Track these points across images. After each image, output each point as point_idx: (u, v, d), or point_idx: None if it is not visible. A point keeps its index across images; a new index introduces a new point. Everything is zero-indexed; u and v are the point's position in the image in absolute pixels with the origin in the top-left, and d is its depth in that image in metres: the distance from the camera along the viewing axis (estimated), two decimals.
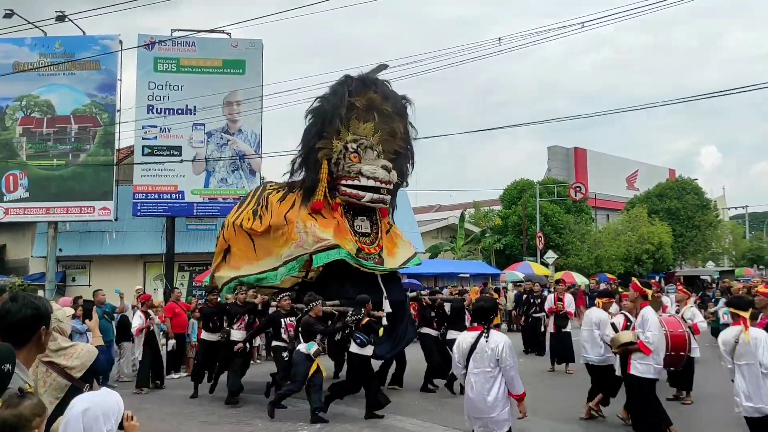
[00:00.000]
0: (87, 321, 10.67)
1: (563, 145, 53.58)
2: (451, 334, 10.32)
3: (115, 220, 22.01)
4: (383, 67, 20.43)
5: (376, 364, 9.68)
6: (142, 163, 21.99)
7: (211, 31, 23.50)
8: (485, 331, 5.22)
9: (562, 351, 12.69)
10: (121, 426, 2.90)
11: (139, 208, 21.92)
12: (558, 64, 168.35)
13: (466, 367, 5.24)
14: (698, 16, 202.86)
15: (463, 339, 5.35)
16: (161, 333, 12.88)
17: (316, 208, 10.26)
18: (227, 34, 23.27)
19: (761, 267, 48.24)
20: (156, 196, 21.97)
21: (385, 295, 10.14)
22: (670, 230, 38.85)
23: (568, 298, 13.52)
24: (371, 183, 10.19)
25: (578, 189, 33.76)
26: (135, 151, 22.47)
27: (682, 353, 7.66)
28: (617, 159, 57.18)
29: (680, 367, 8.03)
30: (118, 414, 2.73)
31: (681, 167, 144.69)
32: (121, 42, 22.67)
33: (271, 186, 11.65)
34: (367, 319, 8.69)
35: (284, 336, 9.76)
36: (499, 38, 15.73)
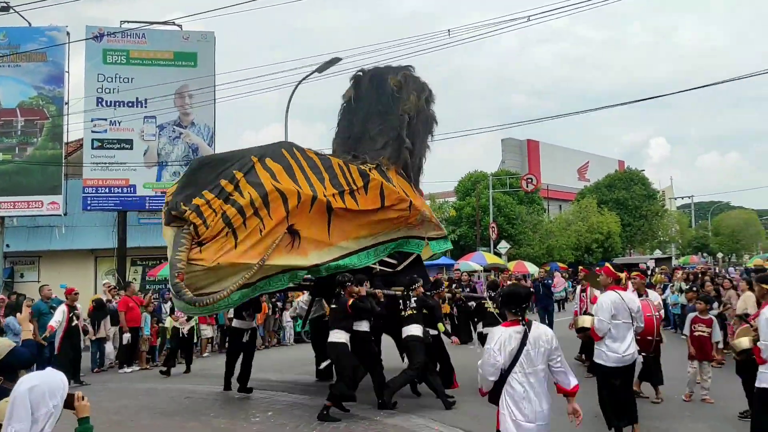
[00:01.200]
0: (18, 315, 10.60)
1: (517, 137, 54.59)
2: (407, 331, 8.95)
3: (65, 214, 21.60)
4: (336, 60, 20.70)
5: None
6: (93, 160, 21.63)
7: (162, 23, 23.33)
8: (523, 322, 4.42)
9: None
10: (70, 406, 3.05)
11: (89, 202, 21.56)
12: (514, 58, 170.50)
13: (509, 370, 4.34)
14: (653, 11, 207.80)
15: (504, 337, 4.38)
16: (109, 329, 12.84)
17: None
18: (178, 26, 23.05)
19: (705, 255, 50.05)
20: (107, 190, 21.64)
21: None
22: (619, 220, 40.01)
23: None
24: None
25: (530, 180, 34.48)
26: (84, 145, 22.05)
27: (649, 337, 7.86)
28: (569, 151, 58.47)
29: (650, 352, 8.05)
30: (63, 391, 2.89)
31: (631, 159, 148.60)
32: (68, 33, 22.15)
33: (363, 161, 9.93)
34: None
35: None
36: (449, 30, 16.05)
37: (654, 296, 9.28)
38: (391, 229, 9.64)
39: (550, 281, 17.30)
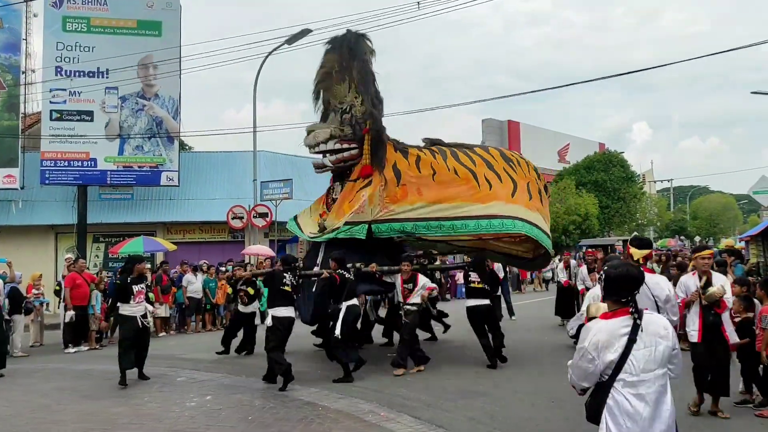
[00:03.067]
0: None
1: (498, 118, 53.97)
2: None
3: (22, 188, 20.77)
4: (306, 32, 19.93)
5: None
6: (51, 132, 20.74)
7: None
8: (635, 313, 3.28)
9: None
10: None
11: (47, 176, 20.72)
12: (498, 40, 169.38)
13: (612, 378, 3.25)
14: None
15: (605, 333, 3.27)
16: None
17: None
18: None
19: (683, 238, 50.06)
20: (66, 164, 20.80)
21: (318, 261, 9.96)
22: (597, 202, 39.70)
23: (497, 266, 13.60)
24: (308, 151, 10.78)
25: None
26: (42, 116, 21.17)
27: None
28: (550, 132, 57.96)
29: None
30: None
31: (613, 142, 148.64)
32: (26, 0, 21.20)
33: None
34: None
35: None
36: (418, 2, 15.38)
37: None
38: None
39: None
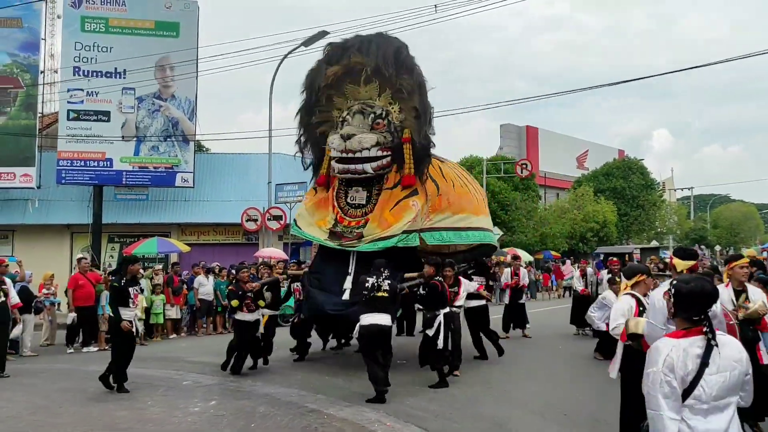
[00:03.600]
0: None
1: (517, 123, 53.63)
2: None
3: (38, 187, 20.91)
4: (323, 33, 19.82)
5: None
6: (68, 132, 20.85)
7: None
8: (709, 333, 2.92)
9: (518, 318, 13.58)
10: None
11: (63, 175, 20.83)
12: (517, 45, 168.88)
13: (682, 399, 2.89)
14: (654, 1, 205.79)
15: (677, 354, 2.90)
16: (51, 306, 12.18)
17: (319, 183, 10.36)
18: None
19: (703, 247, 49.31)
20: (82, 164, 20.90)
21: (350, 271, 9.36)
22: (615, 209, 39.23)
23: (523, 272, 14.42)
24: (335, 154, 9.79)
25: (524, 166, 33.62)
26: (60, 115, 21.30)
27: None
28: (568, 138, 57.52)
29: None
30: None
31: (632, 149, 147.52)
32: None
33: None
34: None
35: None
36: (435, 5, 15.23)
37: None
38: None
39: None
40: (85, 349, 12.39)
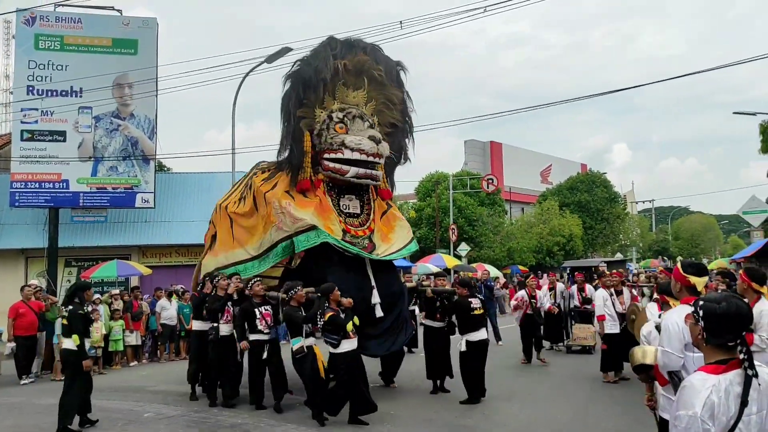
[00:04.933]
0: None
1: (480, 139, 53.96)
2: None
3: None
4: (286, 50, 19.51)
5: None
6: (22, 153, 20.04)
7: (101, 7, 21.84)
8: (746, 362, 2.46)
9: (537, 341, 12.39)
10: None
11: (17, 197, 19.98)
12: (481, 61, 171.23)
13: None
14: (614, 18, 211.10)
15: (717, 393, 2.42)
16: None
17: (305, 187, 9.10)
18: (118, 11, 21.65)
19: (665, 258, 50.01)
20: (37, 185, 20.08)
21: (373, 284, 8.87)
22: (581, 222, 39.55)
23: (543, 292, 13.04)
24: (356, 156, 8.91)
25: (490, 181, 33.71)
26: (12, 136, 20.50)
27: None
28: (532, 153, 58.15)
29: None
30: None
31: (594, 163, 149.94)
32: None
33: (262, 165, 10.31)
34: (330, 313, 7.39)
35: (261, 328, 8.48)
36: (401, 22, 15.09)
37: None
38: (269, 231, 8.99)
39: (491, 282, 17.54)
40: (27, 380, 11.74)
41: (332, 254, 8.72)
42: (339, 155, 8.96)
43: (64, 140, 20.39)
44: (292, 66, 9.28)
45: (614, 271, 11.95)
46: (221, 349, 8.92)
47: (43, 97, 20.04)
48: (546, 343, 13.46)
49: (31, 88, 20.24)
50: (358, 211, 9.43)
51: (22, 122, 20.16)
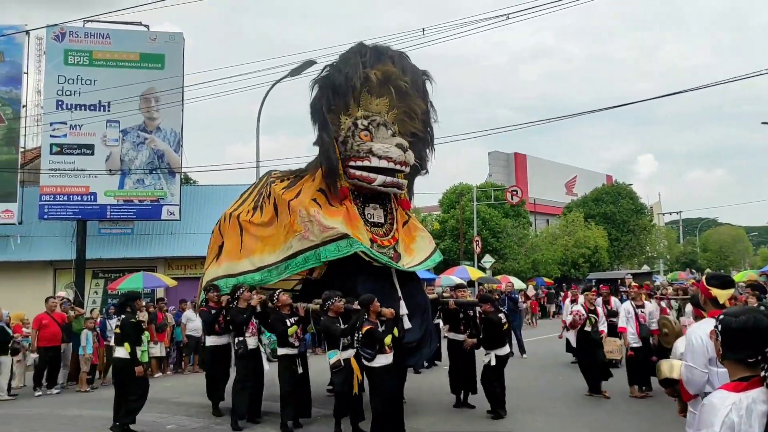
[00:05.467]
0: None
1: (505, 151, 53.76)
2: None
3: (20, 223, 20.38)
4: (310, 63, 19.63)
5: None
6: (51, 166, 20.41)
7: (129, 23, 22.23)
8: None
9: (604, 367, 10.33)
10: None
11: (46, 210, 20.32)
12: (502, 73, 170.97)
13: None
14: (636, 29, 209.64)
15: (738, 413, 2.30)
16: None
17: (344, 195, 8.84)
18: (145, 26, 22.03)
19: (693, 271, 49.20)
20: (65, 198, 20.41)
21: (400, 295, 8.67)
22: (606, 234, 39.09)
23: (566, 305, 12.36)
24: (383, 164, 8.68)
25: (515, 192, 33.49)
26: (42, 149, 20.88)
27: None
28: (557, 165, 57.76)
29: None
30: None
31: (619, 174, 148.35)
32: (28, 33, 21.12)
33: (275, 174, 10.16)
34: (368, 327, 7.14)
35: (292, 341, 8.18)
36: (423, 29, 15.08)
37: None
38: (290, 240, 8.65)
39: (516, 294, 17.19)
40: (48, 391, 11.87)
41: (360, 265, 8.53)
42: (366, 163, 8.74)
43: (92, 153, 20.72)
44: (321, 71, 9.14)
45: (635, 284, 11.66)
46: (248, 362, 8.69)
47: (72, 111, 20.40)
48: (570, 356, 13.26)
49: (60, 103, 20.62)
50: (382, 221, 9.24)
51: (51, 136, 20.54)
